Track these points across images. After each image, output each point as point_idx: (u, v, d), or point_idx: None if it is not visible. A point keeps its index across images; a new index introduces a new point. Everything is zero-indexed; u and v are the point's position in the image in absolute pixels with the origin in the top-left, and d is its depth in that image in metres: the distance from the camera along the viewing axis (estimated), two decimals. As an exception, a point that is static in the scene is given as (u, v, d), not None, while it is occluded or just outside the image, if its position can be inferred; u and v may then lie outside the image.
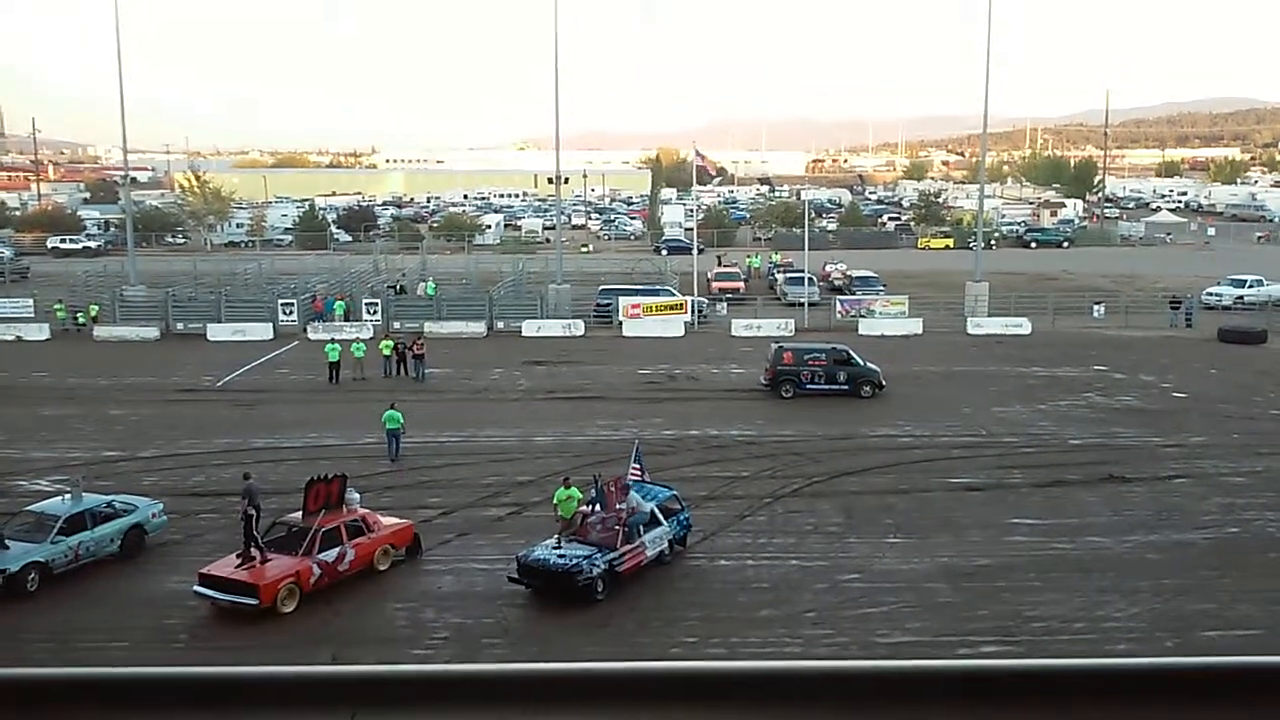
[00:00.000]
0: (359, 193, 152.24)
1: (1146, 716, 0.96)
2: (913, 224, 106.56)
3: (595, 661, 1.02)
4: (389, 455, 30.94)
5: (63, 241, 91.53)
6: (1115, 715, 0.97)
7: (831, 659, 1.03)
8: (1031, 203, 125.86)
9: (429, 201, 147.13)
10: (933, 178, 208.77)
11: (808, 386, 38.34)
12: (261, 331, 50.72)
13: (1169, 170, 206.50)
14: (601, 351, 47.28)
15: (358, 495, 23.61)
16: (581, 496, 23.45)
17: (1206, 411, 36.49)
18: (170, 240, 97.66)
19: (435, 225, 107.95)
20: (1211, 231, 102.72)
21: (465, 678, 1.02)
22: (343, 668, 1.03)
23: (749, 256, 77.59)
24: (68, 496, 23.68)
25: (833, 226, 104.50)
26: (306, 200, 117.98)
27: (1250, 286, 59.84)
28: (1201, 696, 0.98)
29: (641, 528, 22.58)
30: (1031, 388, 40.00)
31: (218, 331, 50.86)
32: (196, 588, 20.77)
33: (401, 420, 31.16)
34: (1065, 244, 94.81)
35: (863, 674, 1.03)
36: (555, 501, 23.85)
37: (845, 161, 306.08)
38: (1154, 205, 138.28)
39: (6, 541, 21.81)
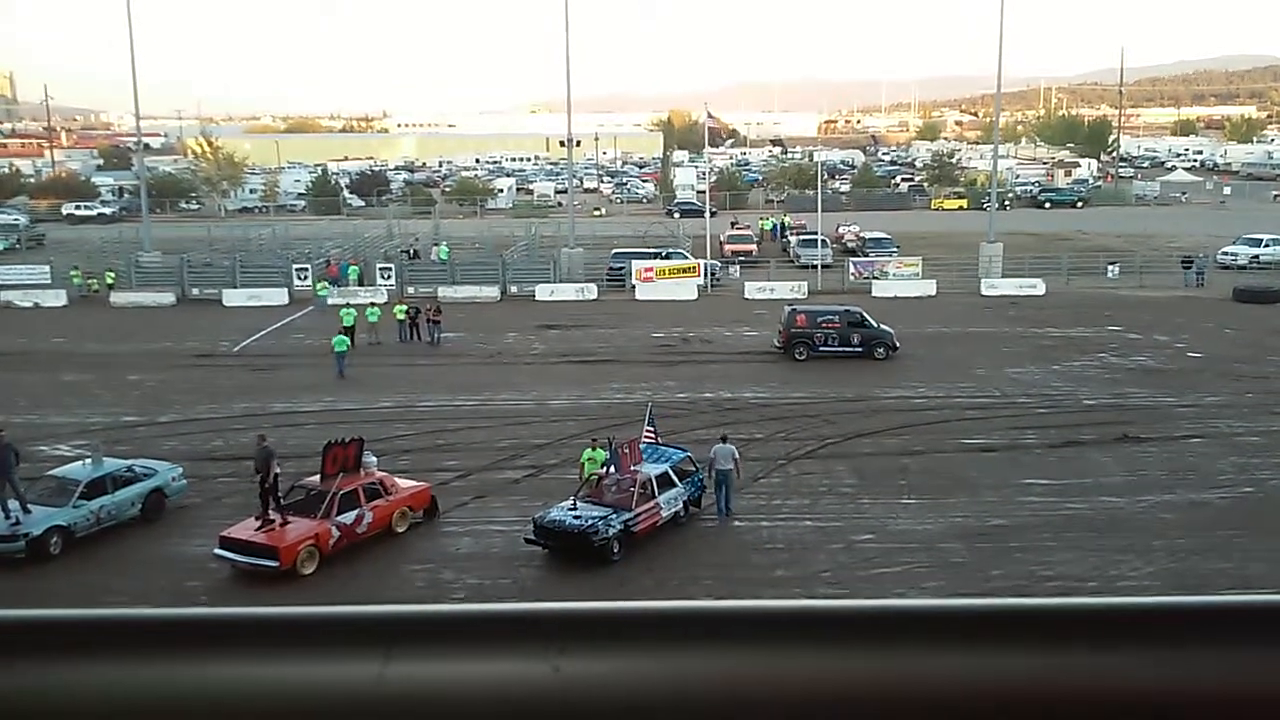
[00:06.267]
0: (371, 157, 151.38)
1: (1145, 653, 0.97)
2: (926, 185, 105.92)
3: (631, 601, 1.03)
4: (338, 371, 35.95)
5: (78, 208, 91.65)
6: (1114, 654, 0.97)
7: (837, 599, 1.07)
8: (1046, 163, 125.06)
9: (441, 166, 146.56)
10: (946, 138, 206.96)
11: (821, 349, 38.28)
12: (277, 297, 50.91)
13: (1184, 129, 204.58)
14: (615, 315, 47.32)
15: (375, 458, 23.77)
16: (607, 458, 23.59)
17: (1221, 371, 36.43)
18: (184, 206, 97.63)
19: (448, 189, 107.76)
20: (1227, 190, 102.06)
21: (502, 616, 1.03)
22: (376, 607, 1.03)
23: (762, 219, 77.37)
24: (88, 461, 23.93)
25: (846, 188, 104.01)
26: (319, 165, 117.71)
27: (1266, 246, 59.37)
28: (1204, 635, 0.98)
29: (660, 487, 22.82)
30: (1045, 348, 39.95)
31: (233, 297, 51.09)
32: (217, 550, 21.00)
33: (349, 344, 37.14)
34: (1080, 204, 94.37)
35: (865, 613, 1.04)
36: (582, 460, 24.12)
37: (858, 122, 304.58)
38: (1169, 164, 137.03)
39: (29, 506, 22.07)
